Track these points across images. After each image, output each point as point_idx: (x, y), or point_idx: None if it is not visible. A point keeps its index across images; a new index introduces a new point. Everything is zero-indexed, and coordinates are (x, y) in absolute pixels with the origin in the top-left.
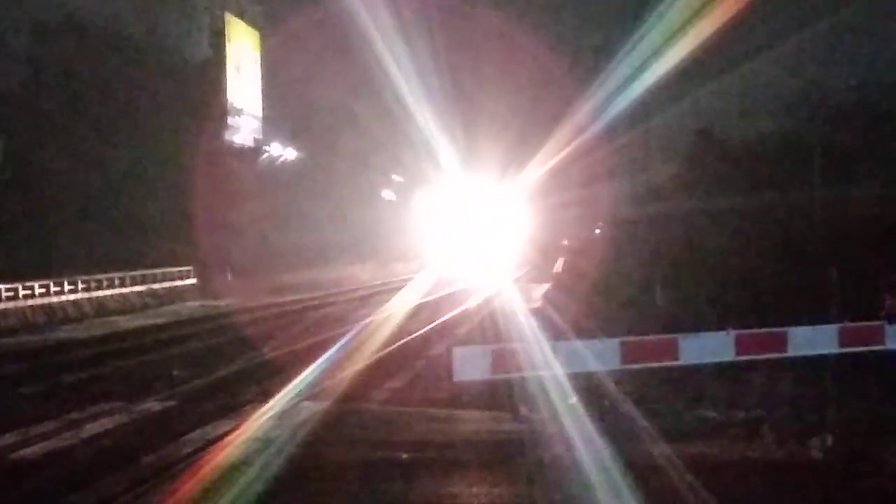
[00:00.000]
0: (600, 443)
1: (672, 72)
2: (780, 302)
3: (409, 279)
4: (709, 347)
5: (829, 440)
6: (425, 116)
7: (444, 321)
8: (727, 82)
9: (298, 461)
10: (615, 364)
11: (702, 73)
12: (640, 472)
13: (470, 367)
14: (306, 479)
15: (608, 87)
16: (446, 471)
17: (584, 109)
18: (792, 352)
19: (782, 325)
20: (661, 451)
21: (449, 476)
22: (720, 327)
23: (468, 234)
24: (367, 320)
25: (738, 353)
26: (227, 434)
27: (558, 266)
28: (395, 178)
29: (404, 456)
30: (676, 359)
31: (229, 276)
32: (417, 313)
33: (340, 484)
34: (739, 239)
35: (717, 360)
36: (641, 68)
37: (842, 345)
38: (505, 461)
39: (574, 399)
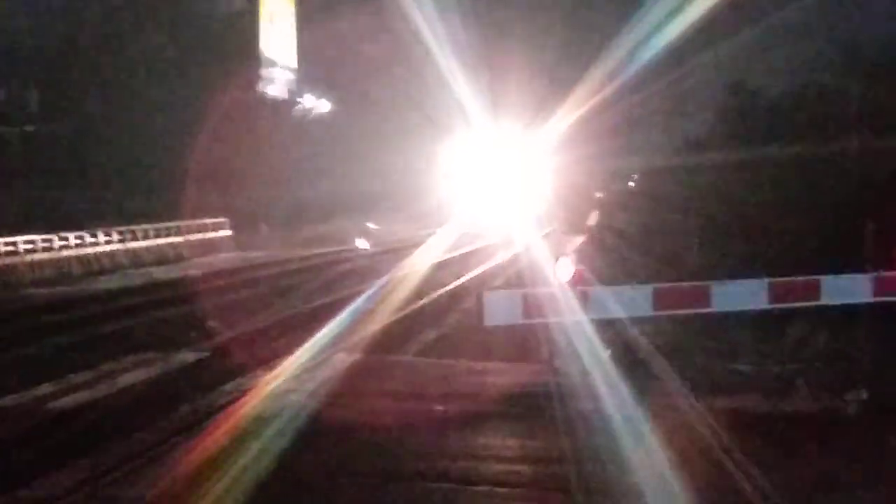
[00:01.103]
0: (632, 396)
1: (704, 19)
2: (816, 255)
3: (439, 232)
4: (742, 295)
5: (864, 394)
6: (451, 65)
7: (476, 274)
8: (760, 33)
9: (332, 412)
10: (647, 311)
11: (734, 22)
12: (671, 425)
13: (501, 312)
14: (339, 431)
15: (639, 32)
16: (480, 422)
17: (614, 56)
18: (825, 300)
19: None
20: (693, 404)
21: (482, 428)
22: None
23: (497, 187)
24: (398, 273)
25: (770, 301)
26: (261, 385)
27: (592, 219)
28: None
29: (438, 407)
30: (709, 306)
31: (263, 228)
32: (447, 266)
33: (374, 435)
34: (775, 191)
35: (750, 307)
36: (674, 13)
37: (876, 294)
38: (538, 413)
39: (608, 352)
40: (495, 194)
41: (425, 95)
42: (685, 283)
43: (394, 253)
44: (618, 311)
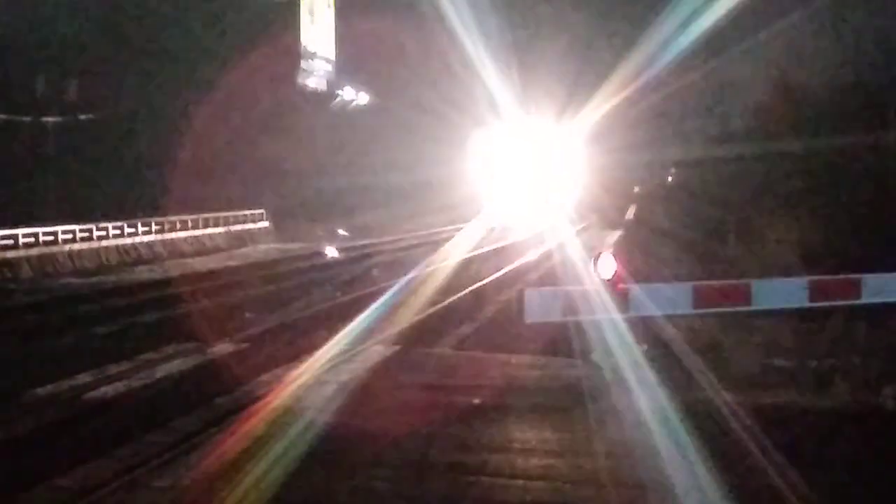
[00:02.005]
0: (669, 392)
1: (742, 12)
2: (855, 249)
3: (472, 225)
4: (782, 293)
5: None
6: (483, 56)
7: (513, 268)
8: (799, 29)
9: (369, 404)
10: (687, 308)
11: (773, 16)
12: (706, 422)
13: (541, 309)
14: (377, 422)
15: (674, 23)
16: (517, 416)
17: (649, 44)
18: (866, 298)
19: (857, 273)
20: (729, 400)
21: (519, 421)
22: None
23: (529, 180)
24: (433, 266)
25: (811, 299)
26: (299, 376)
27: (630, 213)
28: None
29: (475, 400)
30: (749, 304)
31: (301, 219)
32: (483, 260)
33: (411, 427)
34: (813, 183)
35: (791, 305)
36: (709, 4)
37: None
38: (575, 407)
39: (644, 346)
40: (527, 187)
41: (458, 87)
42: (725, 281)
43: (428, 245)
44: (658, 310)
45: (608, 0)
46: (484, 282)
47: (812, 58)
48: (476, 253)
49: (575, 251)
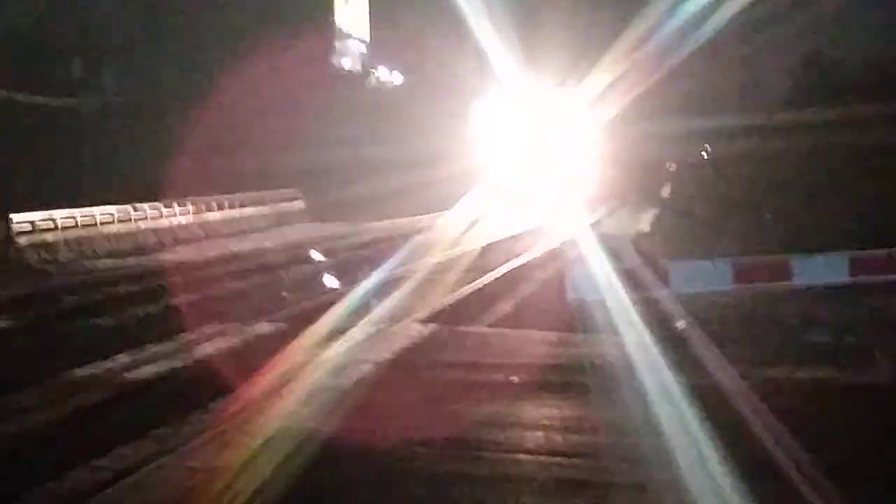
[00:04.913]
0: (711, 368)
1: None
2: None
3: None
4: (822, 268)
5: None
6: (492, 22)
7: (544, 253)
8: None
9: (406, 382)
10: (727, 285)
11: None
12: (742, 398)
13: (583, 286)
14: (413, 401)
15: None
16: (557, 394)
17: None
18: None
19: None
20: (768, 375)
21: (559, 399)
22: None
23: (543, 157)
24: (468, 247)
25: (851, 275)
26: (335, 356)
27: (665, 191)
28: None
29: (514, 379)
30: (789, 279)
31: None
32: (520, 239)
33: (448, 405)
34: (851, 159)
35: (831, 281)
36: None
37: None
38: (616, 386)
39: (683, 324)
40: (540, 167)
41: (452, 52)
42: (765, 257)
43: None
44: (698, 286)
45: None
46: (519, 262)
47: (848, 36)
48: (509, 233)
49: (604, 233)
